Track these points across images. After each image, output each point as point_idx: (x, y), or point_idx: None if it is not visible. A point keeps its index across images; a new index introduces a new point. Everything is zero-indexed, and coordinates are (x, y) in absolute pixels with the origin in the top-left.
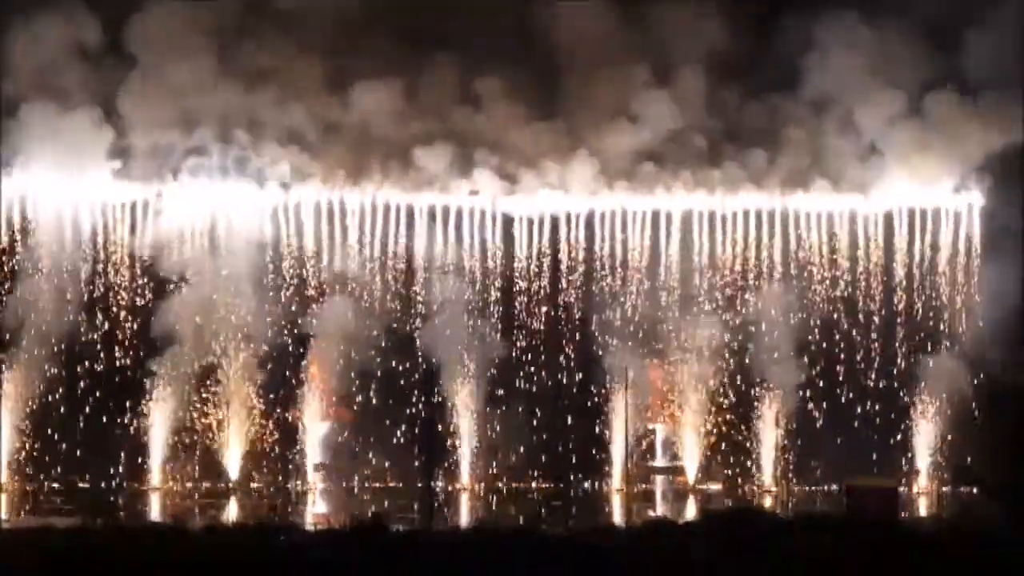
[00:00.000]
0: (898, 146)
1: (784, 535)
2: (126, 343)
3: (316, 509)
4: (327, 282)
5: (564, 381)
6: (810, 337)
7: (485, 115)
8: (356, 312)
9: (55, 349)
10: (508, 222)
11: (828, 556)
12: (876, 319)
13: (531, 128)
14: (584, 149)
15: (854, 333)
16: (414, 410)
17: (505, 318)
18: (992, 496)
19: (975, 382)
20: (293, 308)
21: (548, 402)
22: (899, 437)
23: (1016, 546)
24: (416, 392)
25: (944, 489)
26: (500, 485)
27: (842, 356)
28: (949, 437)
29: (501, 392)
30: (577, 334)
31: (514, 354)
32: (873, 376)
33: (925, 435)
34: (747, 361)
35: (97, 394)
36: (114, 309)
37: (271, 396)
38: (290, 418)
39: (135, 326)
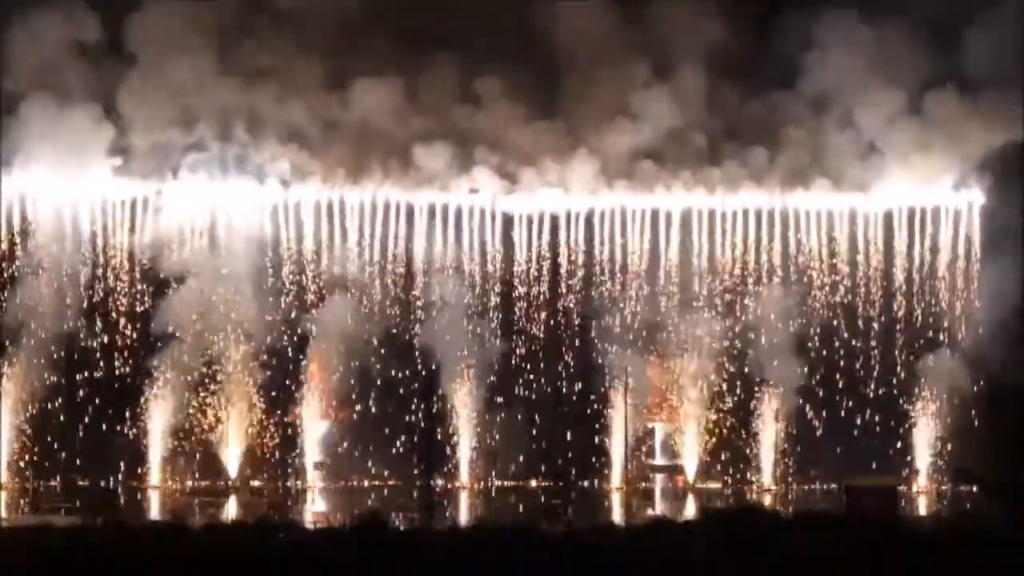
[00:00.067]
0: (898, 145)
1: (784, 534)
2: (126, 342)
3: (315, 507)
4: (327, 282)
5: (564, 380)
6: (810, 336)
7: (485, 114)
8: (356, 312)
9: (55, 348)
10: (508, 221)
11: (827, 555)
12: (876, 318)
13: (531, 127)
14: (584, 148)
15: (854, 332)
16: (414, 409)
17: (505, 318)
18: (992, 495)
19: (975, 381)
20: (293, 307)
21: (548, 400)
22: (899, 436)
23: (1016, 545)
24: (415, 391)
25: (944, 488)
26: (500, 484)
27: (842, 355)
28: (949, 436)
29: (500, 391)
30: (577, 334)
31: (514, 355)
32: (873, 376)
33: (925, 434)
34: (747, 360)
35: (97, 392)
36: (113, 308)
37: (271, 395)
38: (290, 417)
39: (135, 325)
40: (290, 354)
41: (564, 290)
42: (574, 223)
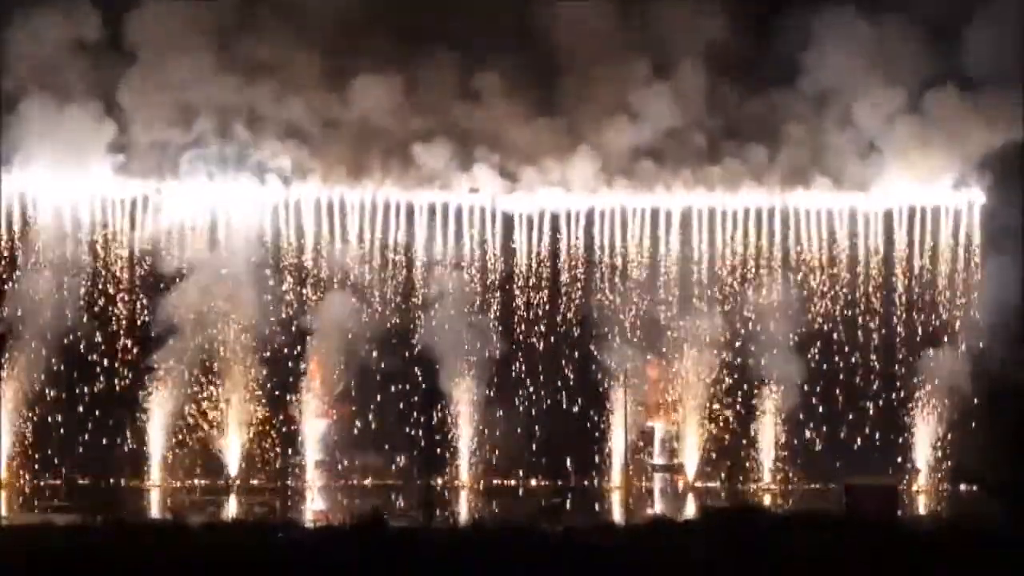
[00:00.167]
0: (898, 143)
1: (783, 533)
2: (126, 340)
3: (315, 506)
4: (327, 280)
5: (563, 379)
6: (810, 335)
7: (485, 112)
8: (356, 310)
9: (55, 346)
10: (508, 220)
11: (827, 555)
12: (876, 318)
13: (531, 125)
14: (584, 146)
15: (854, 331)
16: (413, 408)
17: (505, 316)
18: (992, 494)
19: (975, 381)
20: (293, 305)
21: (547, 400)
22: (899, 435)
23: (1016, 545)
24: (415, 389)
25: (944, 487)
26: (499, 483)
27: (842, 354)
28: (949, 435)
29: (500, 390)
30: (577, 333)
31: (513, 354)
32: (873, 374)
33: (925, 433)
34: (747, 359)
35: (97, 391)
36: (113, 306)
37: (271, 393)
38: (289, 416)
39: (135, 323)
40: (288, 352)
41: (564, 289)
42: (574, 222)
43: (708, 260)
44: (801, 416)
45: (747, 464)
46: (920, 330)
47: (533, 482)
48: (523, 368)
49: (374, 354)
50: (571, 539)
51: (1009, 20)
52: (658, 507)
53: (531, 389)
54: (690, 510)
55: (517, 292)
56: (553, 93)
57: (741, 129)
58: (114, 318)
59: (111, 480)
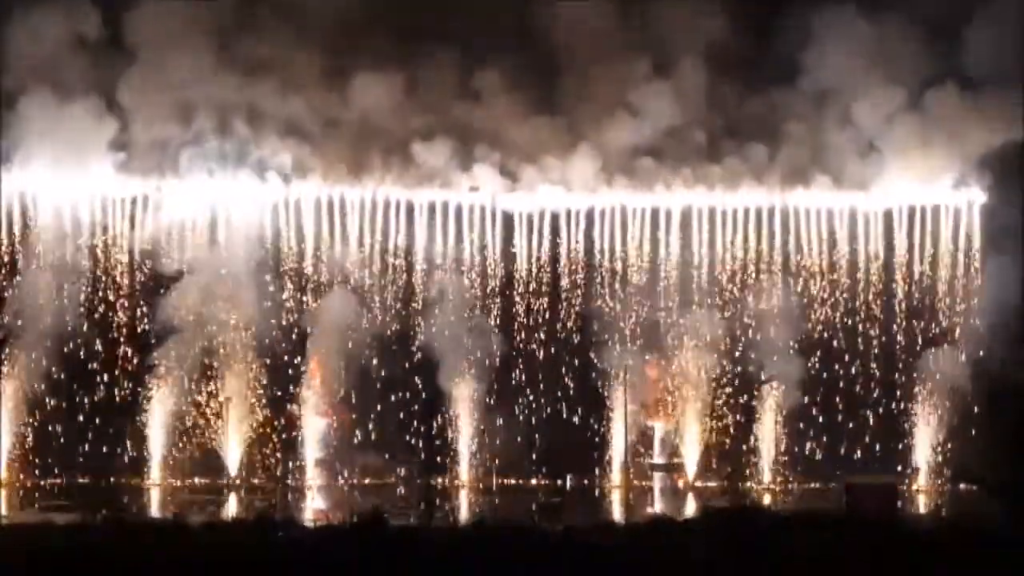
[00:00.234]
0: (898, 142)
1: (783, 532)
2: (126, 339)
3: (315, 505)
4: (327, 279)
5: (563, 378)
6: (810, 334)
7: (485, 110)
8: (355, 309)
9: (55, 344)
10: (508, 219)
11: (828, 554)
12: (876, 317)
13: (531, 123)
14: (585, 144)
15: (854, 330)
16: (413, 407)
17: (505, 315)
18: (992, 494)
19: (975, 380)
20: (292, 304)
21: (547, 399)
22: (899, 435)
23: (1016, 545)
24: (415, 389)
25: (944, 487)
26: (499, 482)
27: (841, 353)
28: (949, 435)
29: (500, 389)
30: (577, 332)
31: (513, 353)
32: (873, 374)
33: (925, 433)
34: (747, 358)
35: (97, 390)
36: (113, 304)
37: (270, 392)
38: (289, 414)
39: (135, 321)
40: (288, 351)
41: (564, 288)
42: (574, 221)
43: (708, 264)
44: (801, 415)
45: (745, 461)
46: (920, 331)
47: (533, 481)
48: (523, 371)
49: (374, 361)
50: (571, 538)
51: (1009, 20)
52: (658, 506)
53: (530, 396)
54: (690, 509)
55: (517, 299)
56: (553, 92)
57: (741, 128)
58: (115, 324)
59: (111, 479)
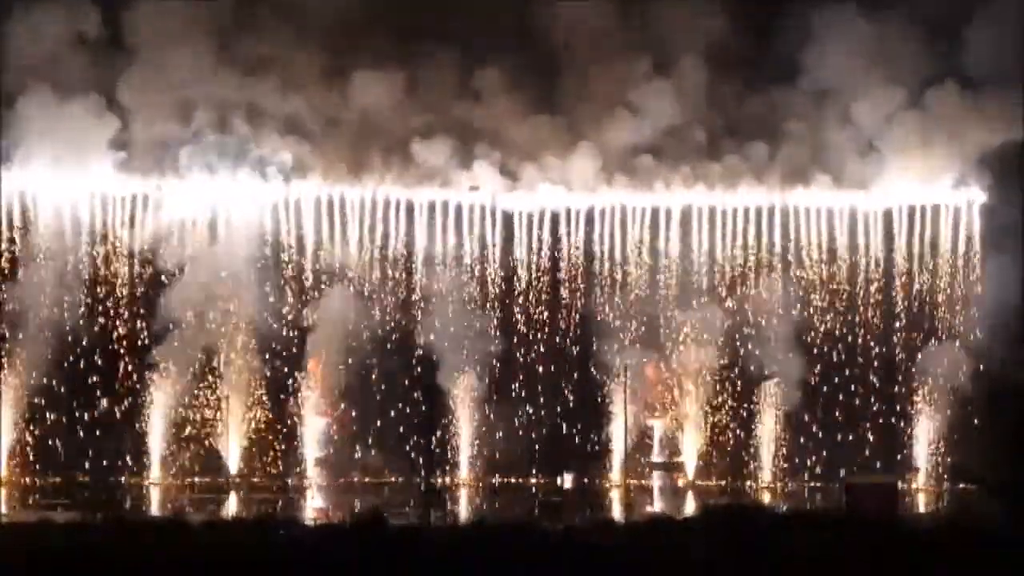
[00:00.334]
0: (898, 142)
1: (783, 532)
2: (126, 337)
3: (315, 504)
4: (327, 278)
5: (563, 377)
6: (810, 333)
7: (485, 109)
8: (355, 308)
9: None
10: (508, 218)
11: (827, 553)
12: (876, 317)
13: (531, 122)
14: (585, 143)
15: (854, 330)
16: (413, 406)
17: (505, 314)
18: (992, 494)
19: (975, 380)
20: (292, 303)
21: (546, 398)
22: (899, 434)
23: (1016, 545)
24: (415, 388)
25: (944, 486)
26: (499, 481)
27: (841, 353)
28: (949, 435)
29: (500, 388)
30: (577, 331)
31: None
32: (873, 373)
33: (925, 432)
34: (747, 358)
35: (97, 389)
36: (113, 303)
37: (270, 391)
38: (289, 414)
39: (135, 320)
40: (288, 349)
41: (564, 287)
42: (574, 220)
43: (708, 266)
44: (801, 414)
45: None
46: (920, 329)
47: (533, 480)
48: (523, 370)
49: (374, 360)
50: (571, 537)
51: (1009, 20)
52: (658, 505)
53: (531, 386)
54: (690, 508)
55: (517, 289)
56: (553, 91)
57: (741, 127)
58: (114, 314)
59: (111, 477)
